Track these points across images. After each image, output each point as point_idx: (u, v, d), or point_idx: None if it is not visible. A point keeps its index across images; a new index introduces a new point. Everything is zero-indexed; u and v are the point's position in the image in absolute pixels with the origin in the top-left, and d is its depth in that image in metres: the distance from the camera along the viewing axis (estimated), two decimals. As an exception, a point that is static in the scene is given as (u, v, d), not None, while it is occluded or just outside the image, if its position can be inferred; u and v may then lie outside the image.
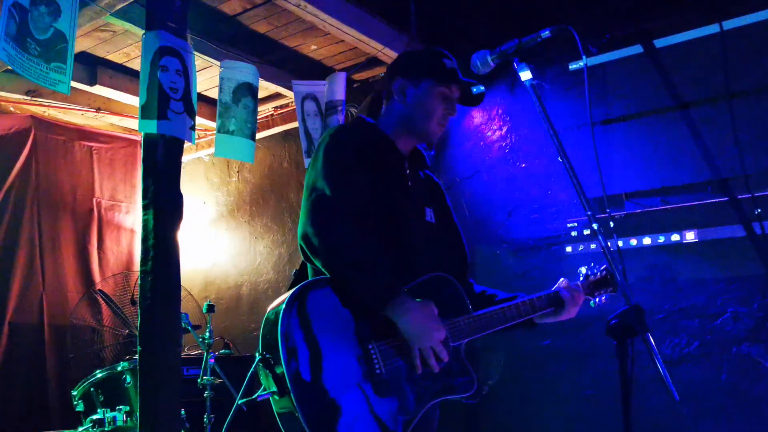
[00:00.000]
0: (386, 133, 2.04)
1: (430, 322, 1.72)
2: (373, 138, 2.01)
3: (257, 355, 1.72)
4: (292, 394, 1.58)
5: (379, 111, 2.12)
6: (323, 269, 1.76)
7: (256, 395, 1.73)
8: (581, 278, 2.20)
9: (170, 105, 2.94)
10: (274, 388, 1.64)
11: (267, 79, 4.34)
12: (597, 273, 2.20)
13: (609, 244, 1.66)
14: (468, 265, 2.15)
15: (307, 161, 4.37)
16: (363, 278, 1.70)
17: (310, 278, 1.87)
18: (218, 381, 3.78)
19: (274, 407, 1.72)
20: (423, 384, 1.76)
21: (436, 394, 1.79)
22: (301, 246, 1.80)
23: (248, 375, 1.84)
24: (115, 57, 4.29)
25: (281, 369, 1.60)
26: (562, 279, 2.15)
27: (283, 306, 1.65)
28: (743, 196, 3.30)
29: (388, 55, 4.17)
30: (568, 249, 3.79)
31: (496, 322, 1.94)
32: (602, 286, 2.18)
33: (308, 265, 1.92)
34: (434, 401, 1.79)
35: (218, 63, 3.86)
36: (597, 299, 2.19)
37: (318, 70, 4.49)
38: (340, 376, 1.64)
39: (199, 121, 4.85)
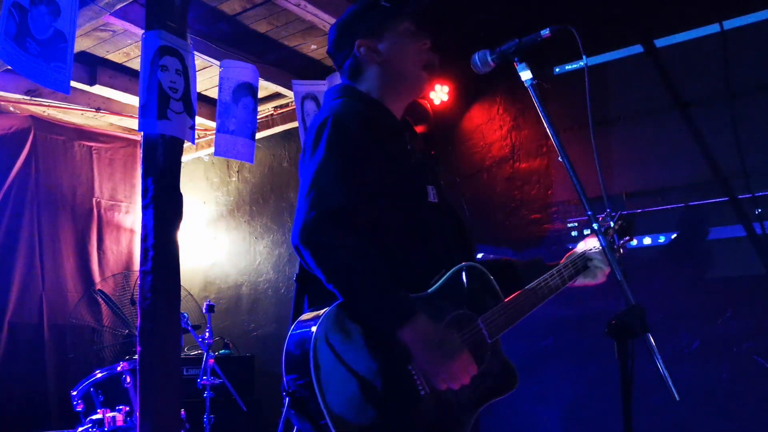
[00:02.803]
0: (386, 106, 1.83)
1: (444, 357, 1.54)
2: (377, 115, 1.80)
3: (284, 394, 1.56)
4: None
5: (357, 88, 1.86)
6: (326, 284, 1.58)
7: None
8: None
9: (170, 105, 2.95)
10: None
11: (267, 79, 4.33)
12: (613, 224, 2.05)
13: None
14: (473, 238, 2.00)
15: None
16: (370, 304, 1.54)
17: (315, 286, 1.68)
18: (218, 381, 3.78)
19: None
20: (468, 394, 1.64)
21: (483, 400, 1.68)
22: (296, 250, 1.59)
23: (282, 421, 1.70)
24: (115, 57, 4.29)
25: (320, 414, 1.44)
26: (584, 240, 2.01)
27: (311, 345, 1.48)
28: (743, 196, 3.30)
29: (388, 54, 4.17)
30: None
31: (529, 305, 1.82)
32: (623, 236, 2.05)
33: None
34: (482, 407, 1.68)
35: (218, 63, 3.86)
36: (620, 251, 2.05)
37: (318, 70, 4.49)
38: (386, 407, 1.50)
39: (199, 121, 4.85)
